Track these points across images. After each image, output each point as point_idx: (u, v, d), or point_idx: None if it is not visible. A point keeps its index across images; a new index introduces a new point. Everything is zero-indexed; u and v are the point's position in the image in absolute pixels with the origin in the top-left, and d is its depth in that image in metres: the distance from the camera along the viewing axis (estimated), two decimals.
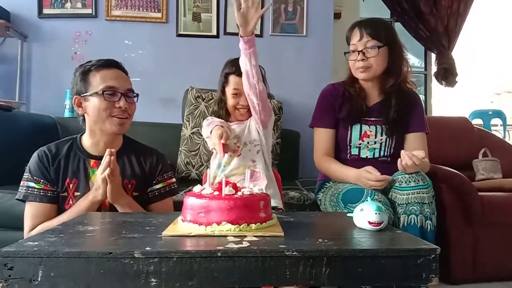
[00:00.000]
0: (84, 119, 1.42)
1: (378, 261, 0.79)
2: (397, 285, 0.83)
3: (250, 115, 1.71)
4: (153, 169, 1.48)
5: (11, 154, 1.99)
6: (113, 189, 1.28)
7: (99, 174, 1.27)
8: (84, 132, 1.44)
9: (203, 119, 2.41)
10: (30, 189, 1.34)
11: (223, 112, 1.75)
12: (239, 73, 1.66)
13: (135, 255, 0.75)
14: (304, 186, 2.16)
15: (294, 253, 0.77)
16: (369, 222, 0.95)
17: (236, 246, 0.79)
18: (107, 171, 1.24)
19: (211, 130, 1.54)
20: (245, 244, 0.81)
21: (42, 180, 1.35)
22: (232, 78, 1.68)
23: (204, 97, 2.54)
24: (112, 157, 1.26)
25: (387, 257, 0.79)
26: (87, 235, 0.91)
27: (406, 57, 1.80)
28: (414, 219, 1.51)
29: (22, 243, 0.80)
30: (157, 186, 1.48)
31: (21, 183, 1.36)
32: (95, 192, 1.28)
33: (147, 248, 0.77)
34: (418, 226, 1.50)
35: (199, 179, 2.26)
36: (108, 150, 1.27)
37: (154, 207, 1.46)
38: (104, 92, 1.35)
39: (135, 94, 1.45)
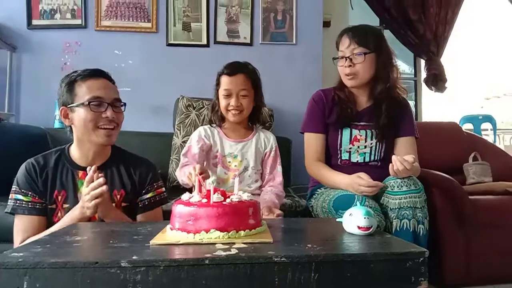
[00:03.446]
0: (71, 130, 1.41)
1: (366, 265, 0.79)
2: None
3: (242, 117, 1.73)
4: (143, 178, 1.46)
5: (0, 166, 1.97)
6: (103, 206, 1.26)
7: (84, 193, 1.24)
8: (72, 143, 1.43)
9: (194, 128, 2.43)
10: (18, 201, 1.32)
11: (216, 117, 1.76)
12: (229, 73, 1.68)
13: (122, 264, 0.74)
14: (296, 193, 2.16)
15: (282, 259, 0.77)
16: (358, 227, 0.95)
17: (224, 253, 0.79)
18: (97, 191, 1.21)
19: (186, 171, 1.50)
20: (233, 251, 0.80)
21: (30, 193, 1.33)
22: (223, 79, 1.70)
23: (195, 106, 2.54)
24: (97, 174, 1.24)
25: (375, 261, 0.79)
26: (74, 245, 0.90)
27: (395, 63, 1.81)
28: (406, 223, 1.51)
29: (7, 254, 0.78)
30: (147, 196, 1.46)
31: (10, 195, 1.34)
32: (82, 209, 1.24)
33: (134, 257, 0.76)
34: (411, 230, 1.51)
35: (191, 189, 2.25)
36: (93, 167, 1.26)
37: (143, 216, 1.44)
38: (90, 103, 1.33)
39: (122, 103, 1.43)
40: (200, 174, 1.23)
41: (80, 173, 1.38)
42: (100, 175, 1.26)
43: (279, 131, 2.65)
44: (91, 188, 1.22)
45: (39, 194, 1.34)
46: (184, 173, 1.53)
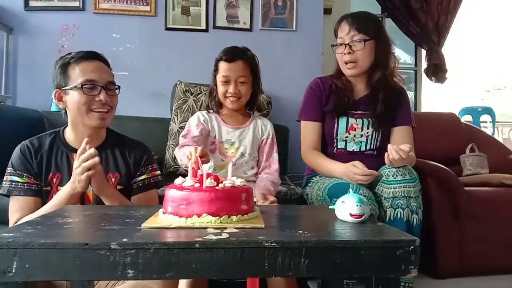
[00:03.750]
0: (66, 113, 1.40)
1: (357, 252, 0.78)
2: (376, 276, 0.83)
3: (240, 104, 1.71)
4: (138, 161, 1.46)
5: None
6: (97, 181, 1.25)
7: (75, 166, 1.21)
8: (67, 125, 1.42)
9: (192, 114, 2.42)
10: (13, 183, 1.32)
11: (214, 103, 1.75)
12: (228, 59, 1.66)
13: (112, 246, 0.74)
14: (293, 181, 2.16)
15: (273, 244, 0.76)
16: (351, 214, 0.95)
17: (215, 237, 0.78)
18: (89, 162, 1.19)
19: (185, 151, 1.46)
20: (224, 235, 0.80)
21: (25, 174, 1.32)
22: (222, 65, 1.68)
23: (192, 92, 2.52)
24: (88, 146, 1.22)
25: (366, 248, 0.79)
26: (65, 226, 0.90)
27: (393, 51, 1.80)
28: (400, 213, 1.52)
29: None
30: (141, 178, 1.45)
31: (4, 177, 1.34)
32: (73, 184, 1.22)
33: (124, 239, 0.75)
34: (405, 220, 1.51)
35: (187, 174, 2.25)
36: (84, 140, 1.23)
37: (137, 198, 1.44)
38: (83, 86, 1.32)
39: (116, 86, 1.42)
40: (200, 157, 1.21)
41: (75, 155, 1.37)
42: (93, 149, 1.23)
43: (277, 118, 2.64)
44: (81, 160, 1.19)
45: (34, 176, 1.33)
46: (183, 153, 1.51)
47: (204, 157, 1.27)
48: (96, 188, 1.27)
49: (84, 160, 1.19)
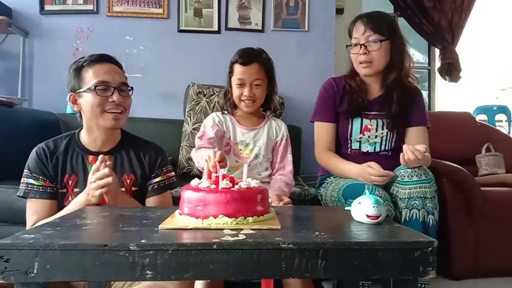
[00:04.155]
0: (81, 116, 1.42)
1: (374, 254, 0.78)
2: (394, 277, 0.82)
3: (255, 107, 1.72)
4: (152, 163, 1.47)
5: (13, 150, 1.99)
6: (111, 194, 1.27)
7: (90, 181, 1.23)
8: (82, 128, 1.44)
9: (205, 115, 2.44)
10: (30, 185, 1.34)
11: (229, 105, 1.75)
12: (243, 62, 1.65)
13: (131, 247, 0.75)
14: (306, 182, 2.16)
15: (290, 246, 0.76)
16: (367, 216, 0.95)
17: (232, 238, 0.79)
18: (103, 181, 1.21)
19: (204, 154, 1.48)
20: (241, 237, 0.81)
21: (41, 177, 1.35)
22: (237, 67, 1.68)
23: (205, 93, 2.54)
24: (106, 162, 1.25)
25: (383, 250, 0.78)
26: (83, 228, 0.91)
27: (408, 51, 1.78)
28: (416, 213, 1.50)
29: (19, 236, 0.80)
30: (156, 180, 1.47)
31: (21, 180, 1.36)
32: (87, 196, 1.24)
33: (142, 241, 0.76)
34: (420, 220, 1.50)
35: (201, 175, 2.26)
36: (101, 156, 1.25)
37: (152, 200, 1.45)
38: (96, 87, 1.34)
39: (129, 88, 1.44)
40: (218, 162, 1.23)
41: (90, 157, 1.39)
42: (108, 163, 1.26)
43: (290, 119, 2.64)
44: (96, 178, 1.22)
45: (50, 178, 1.35)
46: (201, 156, 1.52)
47: (222, 162, 1.28)
48: (110, 200, 1.29)
49: (98, 178, 1.22)
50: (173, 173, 1.53)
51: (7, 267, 0.74)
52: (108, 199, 1.28)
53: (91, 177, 1.24)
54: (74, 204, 1.28)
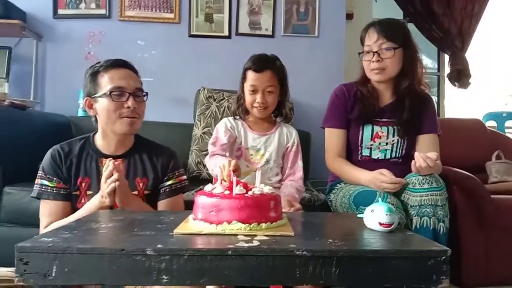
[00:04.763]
0: (96, 120, 1.44)
1: (388, 262, 0.79)
2: (407, 286, 0.82)
3: (267, 113, 1.72)
4: (165, 166, 1.48)
5: (26, 152, 2.02)
6: (121, 197, 1.28)
7: (103, 184, 1.26)
8: (96, 131, 1.46)
9: (215, 119, 2.45)
10: (44, 187, 1.36)
11: (241, 111, 1.76)
12: (256, 69, 1.66)
13: (147, 252, 0.76)
14: (315, 187, 2.16)
15: (304, 253, 0.77)
16: (380, 223, 0.95)
17: (247, 245, 0.80)
18: (113, 177, 1.24)
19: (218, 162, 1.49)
20: (255, 243, 0.81)
21: (55, 178, 1.36)
22: (250, 74, 1.68)
23: (215, 98, 2.55)
24: (115, 165, 1.27)
25: (397, 258, 0.79)
26: (100, 232, 0.92)
27: (420, 58, 1.79)
28: (427, 221, 1.50)
29: (37, 239, 0.81)
30: (168, 183, 1.48)
31: (36, 181, 1.38)
32: (101, 198, 1.26)
33: (158, 246, 0.77)
34: (431, 228, 1.50)
35: (210, 179, 2.27)
36: (110, 161, 1.27)
37: (164, 203, 1.46)
38: (112, 93, 1.36)
39: (144, 93, 1.45)
40: (233, 171, 1.24)
41: (104, 160, 1.40)
42: (116, 162, 1.28)
43: (299, 124, 2.63)
44: (105, 177, 1.25)
45: (63, 180, 1.37)
46: (215, 164, 1.53)
47: (236, 171, 1.30)
48: (120, 201, 1.28)
49: (107, 177, 1.25)
50: (185, 177, 1.54)
51: (26, 269, 0.76)
52: (118, 200, 1.28)
53: (103, 182, 1.26)
54: (88, 206, 1.30)
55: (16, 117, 2.14)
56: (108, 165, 1.26)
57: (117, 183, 1.24)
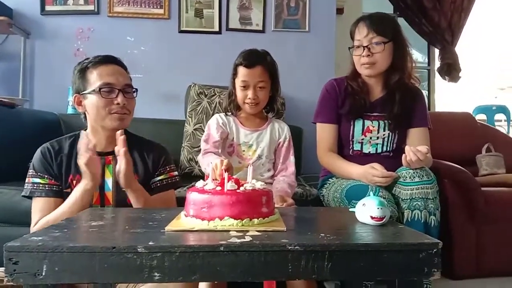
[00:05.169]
0: (85, 117, 1.42)
1: (380, 255, 0.79)
2: (399, 279, 0.83)
3: (259, 109, 1.72)
4: (156, 162, 1.47)
5: (15, 151, 2.00)
6: (126, 175, 1.26)
7: (82, 160, 1.23)
8: (86, 128, 1.44)
9: (206, 116, 2.44)
10: (35, 185, 1.34)
11: (232, 107, 1.75)
12: (247, 65, 1.65)
13: (139, 249, 0.75)
14: (307, 182, 2.16)
15: (296, 248, 0.77)
16: (371, 217, 0.95)
17: (239, 240, 0.79)
18: (123, 150, 1.23)
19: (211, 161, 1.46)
20: (247, 238, 0.81)
21: (46, 176, 1.35)
22: (241, 70, 1.67)
23: (206, 93, 2.54)
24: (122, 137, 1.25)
25: (389, 252, 0.79)
26: (90, 230, 0.91)
27: (410, 52, 1.79)
28: (418, 214, 1.51)
29: (27, 238, 0.80)
30: (159, 178, 1.47)
31: (26, 180, 1.36)
32: (83, 181, 1.25)
33: (150, 243, 0.77)
34: (422, 221, 1.51)
35: (202, 175, 2.27)
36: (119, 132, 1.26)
37: (155, 198, 1.44)
38: (101, 89, 1.34)
39: (134, 89, 1.44)
40: (225, 171, 1.23)
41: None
42: (90, 146, 1.25)
43: (291, 119, 2.64)
44: (78, 149, 1.24)
45: (54, 177, 1.36)
46: (208, 163, 1.52)
47: (228, 171, 1.29)
48: (125, 181, 1.28)
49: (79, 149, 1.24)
50: (176, 173, 1.53)
51: (16, 269, 0.75)
52: (122, 181, 1.27)
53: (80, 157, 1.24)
54: (73, 194, 1.28)
55: (5, 115, 2.11)
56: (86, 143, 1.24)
57: (123, 161, 1.23)
